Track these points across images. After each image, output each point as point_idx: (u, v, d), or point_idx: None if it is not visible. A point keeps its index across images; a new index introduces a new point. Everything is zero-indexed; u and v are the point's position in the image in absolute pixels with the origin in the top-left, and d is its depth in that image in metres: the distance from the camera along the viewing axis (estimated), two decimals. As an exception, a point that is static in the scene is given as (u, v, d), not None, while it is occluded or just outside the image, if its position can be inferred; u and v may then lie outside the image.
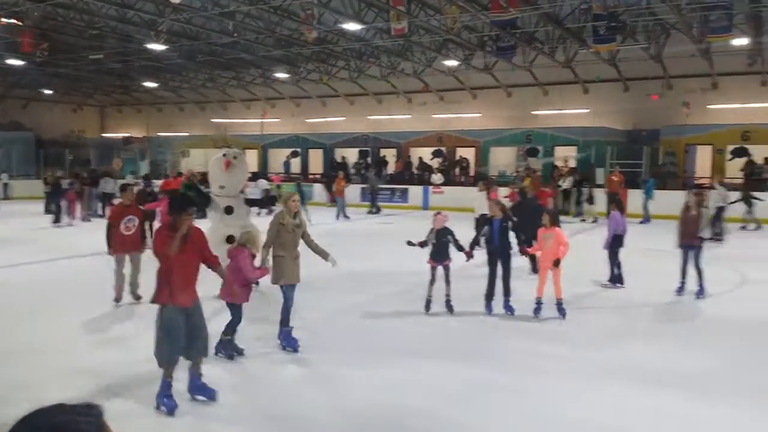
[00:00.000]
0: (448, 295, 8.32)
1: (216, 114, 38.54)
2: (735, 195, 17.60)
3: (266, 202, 14.81)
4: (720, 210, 15.92)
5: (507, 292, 8.45)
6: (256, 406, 5.35)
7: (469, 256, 8.26)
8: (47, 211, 19.83)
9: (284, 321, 6.75)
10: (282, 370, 6.22)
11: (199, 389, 5.33)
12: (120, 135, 41.00)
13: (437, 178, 27.22)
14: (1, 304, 8.94)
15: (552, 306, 8.18)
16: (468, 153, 28.74)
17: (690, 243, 9.44)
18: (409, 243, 8.34)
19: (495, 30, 21.74)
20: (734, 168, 23.23)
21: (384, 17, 21.00)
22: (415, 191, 26.68)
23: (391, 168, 30.26)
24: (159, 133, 38.89)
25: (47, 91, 37.18)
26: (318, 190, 27.80)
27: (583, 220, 20.63)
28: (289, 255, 6.63)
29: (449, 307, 8.36)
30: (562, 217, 12.59)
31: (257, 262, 6.53)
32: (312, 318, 7.88)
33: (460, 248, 8.20)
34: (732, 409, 5.30)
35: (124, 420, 4.63)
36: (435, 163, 29.03)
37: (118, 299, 8.74)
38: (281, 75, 30.89)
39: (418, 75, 29.25)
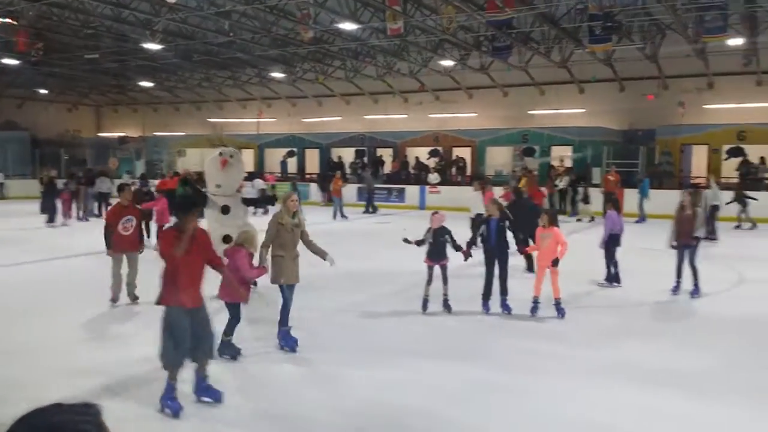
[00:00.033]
0: (445, 295, 8.34)
1: (212, 114, 38.43)
2: (728, 195, 17.66)
3: (263, 201, 14.79)
4: (714, 209, 15.98)
5: (504, 292, 8.47)
6: (257, 407, 5.34)
7: (468, 255, 8.28)
8: (43, 210, 19.76)
9: (283, 321, 6.75)
10: (281, 370, 6.21)
11: (205, 391, 5.29)
12: (116, 134, 40.85)
13: (434, 177, 27.23)
14: (-2, 304, 8.89)
15: (549, 305, 8.21)
16: (464, 153, 28.77)
17: (686, 242, 9.49)
18: (405, 240, 8.35)
19: (491, 30, 21.76)
20: (730, 168, 23.32)
21: (380, 17, 20.99)
22: (412, 191, 26.68)
23: (387, 168, 30.26)
24: (155, 133, 38.74)
25: (43, 91, 37.01)
26: (313, 190, 27.78)
27: (579, 220, 20.67)
28: (288, 255, 6.63)
29: (447, 307, 8.37)
30: (559, 217, 12.61)
31: (255, 262, 6.53)
32: (311, 318, 7.88)
33: (457, 248, 8.23)
34: (729, 407, 5.34)
35: (124, 420, 4.63)
36: (431, 162, 29.04)
37: (115, 300, 8.69)
38: (277, 75, 30.85)
39: (415, 75, 29.25)
